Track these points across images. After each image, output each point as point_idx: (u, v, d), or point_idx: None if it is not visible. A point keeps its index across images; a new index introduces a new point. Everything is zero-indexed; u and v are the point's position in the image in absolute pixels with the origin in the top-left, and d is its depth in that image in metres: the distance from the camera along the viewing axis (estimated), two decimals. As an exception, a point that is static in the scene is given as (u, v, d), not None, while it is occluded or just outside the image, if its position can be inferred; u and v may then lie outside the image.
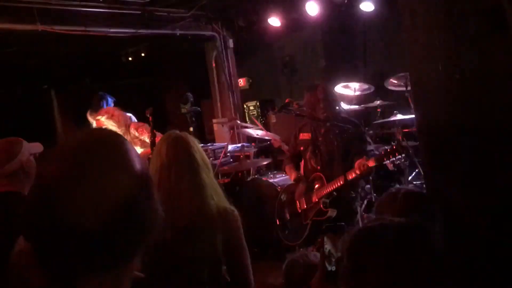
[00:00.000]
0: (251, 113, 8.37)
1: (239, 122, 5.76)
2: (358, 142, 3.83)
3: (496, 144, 1.73)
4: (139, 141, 5.19)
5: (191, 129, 7.51)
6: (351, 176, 3.52)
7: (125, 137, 5.04)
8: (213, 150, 6.18)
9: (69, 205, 0.88)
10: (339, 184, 3.62)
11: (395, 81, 5.45)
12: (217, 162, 5.67)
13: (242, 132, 5.94)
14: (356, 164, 3.50)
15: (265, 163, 5.56)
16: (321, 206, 3.77)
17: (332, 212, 3.72)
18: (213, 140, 7.74)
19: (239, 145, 6.32)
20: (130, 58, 8.27)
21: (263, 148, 6.45)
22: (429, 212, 1.72)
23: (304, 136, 4.08)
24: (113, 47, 7.73)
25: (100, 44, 6.77)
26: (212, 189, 2.21)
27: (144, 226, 0.96)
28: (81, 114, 5.43)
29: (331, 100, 3.93)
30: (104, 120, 5.02)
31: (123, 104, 6.04)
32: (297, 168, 4.20)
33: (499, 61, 1.70)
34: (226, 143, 5.87)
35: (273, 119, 7.03)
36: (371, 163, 3.36)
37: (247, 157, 5.84)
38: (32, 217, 0.91)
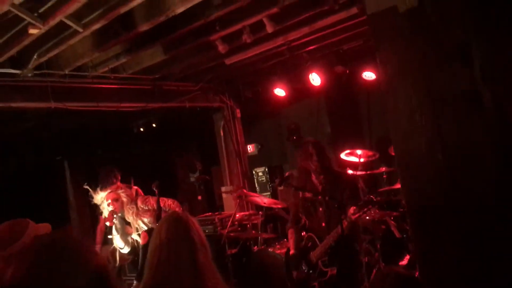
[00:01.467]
0: (260, 179, 8.43)
1: (245, 191, 5.80)
2: (350, 192, 3.91)
3: (479, 219, 1.76)
4: (148, 211, 5.26)
5: (200, 197, 7.59)
6: (339, 230, 3.61)
7: (132, 211, 5.16)
8: (221, 219, 6.18)
9: None
10: (331, 240, 3.72)
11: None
12: (224, 231, 5.67)
13: (249, 200, 5.96)
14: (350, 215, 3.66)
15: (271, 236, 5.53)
16: (321, 266, 3.79)
17: (332, 270, 3.77)
18: (222, 207, 7.76)
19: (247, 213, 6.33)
20: (141, 129, 8.49)
21: (271, 216, 6.44)
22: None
23: (305, 195, 4.14)
24: (125, 119, 7.97)
25: (112, 117, 7.01)
26: (209, 271, 2.23)
27: None
28: (93, 184, 5.55)
29: (323, 155, 4.03)
30: (121, 193, 5.17)
31: (135, 173, 6.18)
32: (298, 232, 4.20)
33: (479, 139, 1.76)
34: (233, 212, 5.87)
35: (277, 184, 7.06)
36: (353, 217, 3.57)
37: (255, 226, 5.83)
38: None
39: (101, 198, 5.32)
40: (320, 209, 4.00)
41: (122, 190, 5.25)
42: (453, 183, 1.78)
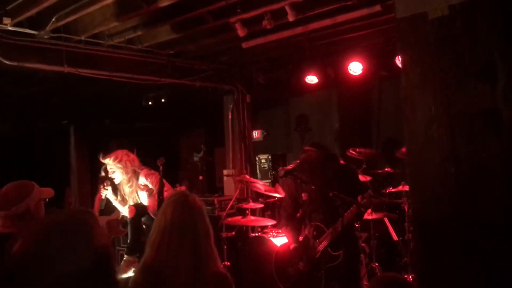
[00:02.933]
0: (262, 166, 8.44)
1: (248, 177, 5.81)
2: (355, 187, 4.00)
3: (487, 238, 1.76)
4: (147, 188, 5.23)
5: (201, 177, 7.62)
6: (346, 219, 3.74)
7: (130, 182, 5.12)
8: (220, 201, 6.22)
9: (29, 283, 1.00)
10: (339, 227, 3.80)
11: (406, 151, 5.49)
12: (222, 213, 5.71)
13: (249, 187, 5.99)
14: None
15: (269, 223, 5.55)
16: (330, 251, 3.87)
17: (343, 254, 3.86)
18: (222, 189, 7.79)
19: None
20: (150, 103, 8.49)
21: (270, 204, 6.47)
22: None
23: (305, 193, 4.14)
24: (135, 91, 7.96)
25: (123, 88, 7.00)
26: (210, 257, 2.24)
27: None
28: (96, 152, 5.57)
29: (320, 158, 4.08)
30: (112, 163, 5.14)
31: (139, 146, 6.20)
32: (295, 226, 4.23)
33: (494, 158, 1.76)
34: (233, 196, 5.91)
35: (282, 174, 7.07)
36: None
37: (253, 212, 5.86)
38: None
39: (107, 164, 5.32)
40: (324, 203, 4.03)
41: (112, 159, 5.20)
42: (463, 198, 1.78)
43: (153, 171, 5.22)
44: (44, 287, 1.00)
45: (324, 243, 3.89)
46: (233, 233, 5.53)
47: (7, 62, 5.02)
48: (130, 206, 5.27)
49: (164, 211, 2.29)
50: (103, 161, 5.22)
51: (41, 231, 1.10)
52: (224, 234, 5.36)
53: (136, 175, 5.28)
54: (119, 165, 5.16)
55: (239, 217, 5.52)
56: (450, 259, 1.81)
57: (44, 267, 1.01)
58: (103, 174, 5.27)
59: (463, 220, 1.79)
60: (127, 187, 5.27)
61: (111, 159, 5.16)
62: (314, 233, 3.98)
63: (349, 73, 6.22)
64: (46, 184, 2.97)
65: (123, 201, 5.35)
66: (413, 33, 1.93)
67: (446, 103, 1.82)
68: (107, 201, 5.29)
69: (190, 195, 2.37)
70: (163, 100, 8.38)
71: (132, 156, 5.32)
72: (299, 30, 5.38)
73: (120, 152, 5.29)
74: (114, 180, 5.22)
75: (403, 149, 5.57)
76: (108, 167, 5.21)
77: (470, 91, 1.79)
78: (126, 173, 5.20)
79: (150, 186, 5.16)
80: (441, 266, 1.84)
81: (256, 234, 5.49)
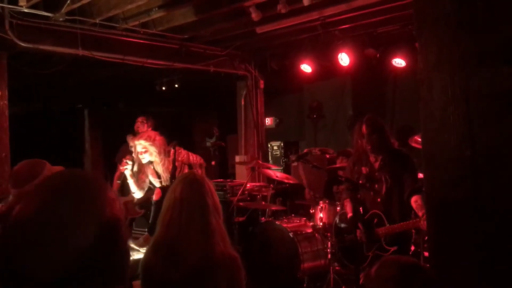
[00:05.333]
0: (274, 153, 8.43)
1: (260, 162, 5.81)
2: (410, 179, 3.92)
3: (501, 222, 1.73)
4: (176, 162, 5.25)
5: (213, 163, 7.63)
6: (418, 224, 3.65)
7: (163, 162, 5.17)
8: (232, 187, 6.22)
9: (29, 253, 0.87)
10: (406, 227, 3.78)
11: (420, 139, 5.42)
12: (234, 199, 5.71)
13: (262, 172, 5.97)
14: (413, 204, 3.72)
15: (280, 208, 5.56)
16: (384, 244, 3.91)
17: (394, 250, 3.87)
18: (234, 175, 7.80)
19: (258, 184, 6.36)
20: (163, 88, 8.51)
21: (281, 190, 6.46)
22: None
23: (361, 169, 4.19)
24: (149, 76, 7.98)
25: (136, 72, 7.02)
26: (219, 235, 2.26)
27: (111, 270, 0.97)
28: (109, 135, 5.65)
29: (378, 132, 4.03)
30: (144, 143, 5.16)
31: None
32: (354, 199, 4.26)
33: (511, 140, 1.72)
34: (245, 181, 5.90)
35: (294, 162, 7.06)
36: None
37: (264, 198, 5.86)
38: None
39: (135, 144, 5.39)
40: (376, 185, 4.06)
41: (148, 141, 5.25)
42: (478, 181, 1.75)
43: (179, 148, 5.31)
44: (47, 261, 0.88)
45: (383, 234, 3.91)
46: (244, 218, 5.53)
47: (22, 44, 5.05)
48: (156, 189, 5.33)
49: (173, 189, 2.33)
50: (135, 142, 5.23)
51: (44, 194, 0.94)
52: (235, 219, 5.37)
53: (166, 156, 5.30)
54: (154, 147, 5.18)
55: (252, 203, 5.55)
56: (464, 243, 1.79)
57: (47, 238, 0.88)
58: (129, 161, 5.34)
59: (478, 203, 1.76)
60: (159, 167, 5.31)
61: (146, 140, 5.18)
62: (375, 221, 4.00)
63: (363, 59, 6.15)
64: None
65: (138, 182, 5.40)
66: (431, 11, 1.89)
67: (464, 84, 1.78)
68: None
69: (199, 174, 2.40)
70: (176, 85, 8.40)
71: (162, 136, 5.37)
72: (314, 15, 5.33)
73: (153, 133, 5.35)
74: (142, 160, 5.23)
75: (416, 137, 5.51)
76: (140, 147, 5.20)
77: (489, 72, 1.75)
78: (159, 153, 5.23)
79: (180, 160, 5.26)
80: (455, 250, 1.82)
81: (267, 219, 5.49)
